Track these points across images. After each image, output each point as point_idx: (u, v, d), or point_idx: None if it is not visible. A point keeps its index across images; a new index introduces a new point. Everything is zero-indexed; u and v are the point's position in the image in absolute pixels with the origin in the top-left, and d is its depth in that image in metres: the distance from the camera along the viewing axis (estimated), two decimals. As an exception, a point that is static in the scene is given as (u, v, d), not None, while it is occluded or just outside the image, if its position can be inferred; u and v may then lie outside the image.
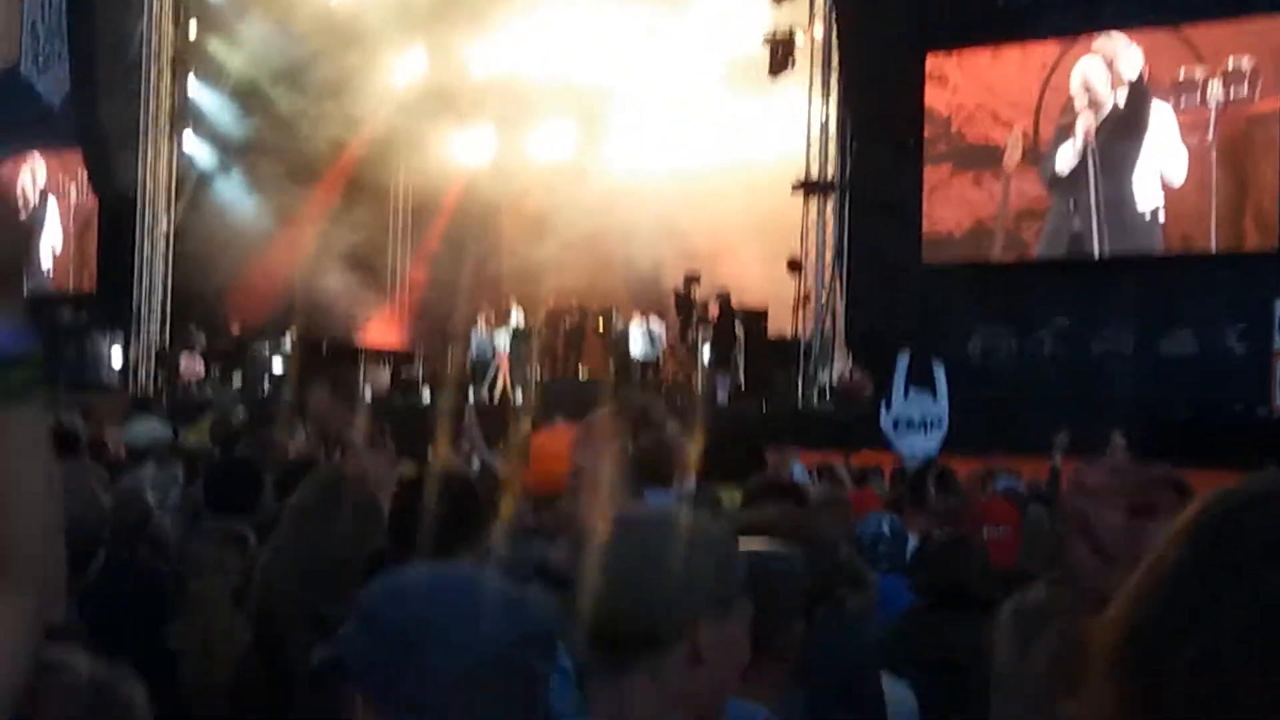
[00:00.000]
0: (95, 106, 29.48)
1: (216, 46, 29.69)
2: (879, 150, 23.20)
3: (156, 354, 29.36)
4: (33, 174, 32.37)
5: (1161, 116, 20.95)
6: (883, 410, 10.19)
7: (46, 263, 32.40)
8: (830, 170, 23.97)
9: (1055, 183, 21.99)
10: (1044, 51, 22.13)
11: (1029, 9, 21.80)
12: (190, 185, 30.21)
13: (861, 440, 15.42)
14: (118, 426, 10.74)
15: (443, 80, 28.47)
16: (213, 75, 29.89)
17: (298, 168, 28.67)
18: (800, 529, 2.94)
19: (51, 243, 32.35)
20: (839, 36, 23.58)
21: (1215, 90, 20.49)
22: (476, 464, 9.09)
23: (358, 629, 1.82)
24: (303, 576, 3.87)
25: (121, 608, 3.95)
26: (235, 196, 30.13)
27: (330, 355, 26.94)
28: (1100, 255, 21.61)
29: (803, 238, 24.14)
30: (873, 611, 4.54)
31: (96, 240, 31.30)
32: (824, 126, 24.04)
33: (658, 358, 24.77)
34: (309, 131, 27.71)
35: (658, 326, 24.66)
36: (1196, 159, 20.64)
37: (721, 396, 22.45)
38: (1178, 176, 20.79)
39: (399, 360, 28.48)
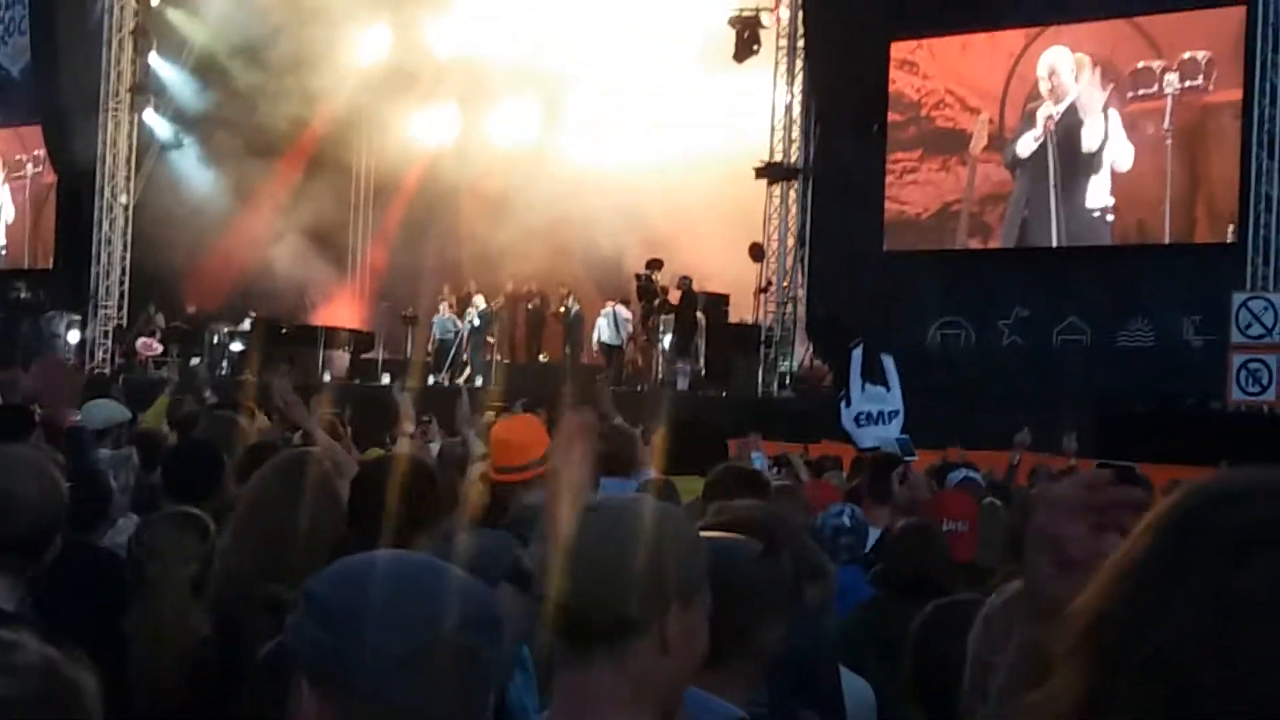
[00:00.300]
0: (56, 76, 29.20)
1: (179, 19, 29.41)
2: (843, 136, 23.26)
3: (114, 332, 29.14)
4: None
5: (1118, 107, 21.17)
6: (842, 408, 10.29)
7: (1, 239, 32.13)
8: (793, 155, 24.00)
9: (1016, 171, 22.19)
10: (1011, 40, 22.28)
11: (994, -2, 21.93)
12: (150, 161, 29.96)
13: (821, 431, 15.47)
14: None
15: (406, 59, 28.32)
16: (174, 49, 29.62)
17: (259, 144, 28.47)
18: (776, 524, 2.94)
19: (5, 219, 32.08)
20: (804, 20, 23.59)
21: (1171, 81, 20.72)
22: (435, 449, 9.09)
23: (303, 614, 1.83)
24: (262, 563, 3.85)
25: (79, 593, 3.91)
26: (195, 173, 29.91)
27: (290, 337, 26.81)
28: (1059, 244, 21.80)
29: (765, 223, 24.17)
30: (831, 603, 4.55)
31: (55, 217, 31.00)
32: (788, 111, 24.06)
33: (623, 344, 24.76)
34: (270, 107, 27.50)
35: (624, 313, 24.64)
36: (1153, 149, 20.87)
37: (682, 384, 22.47)
38: (1132, 167, 21.04)
39: (359, 341, 28.34)
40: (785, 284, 24.07)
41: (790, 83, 24.09)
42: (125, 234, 29.60)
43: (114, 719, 1.87)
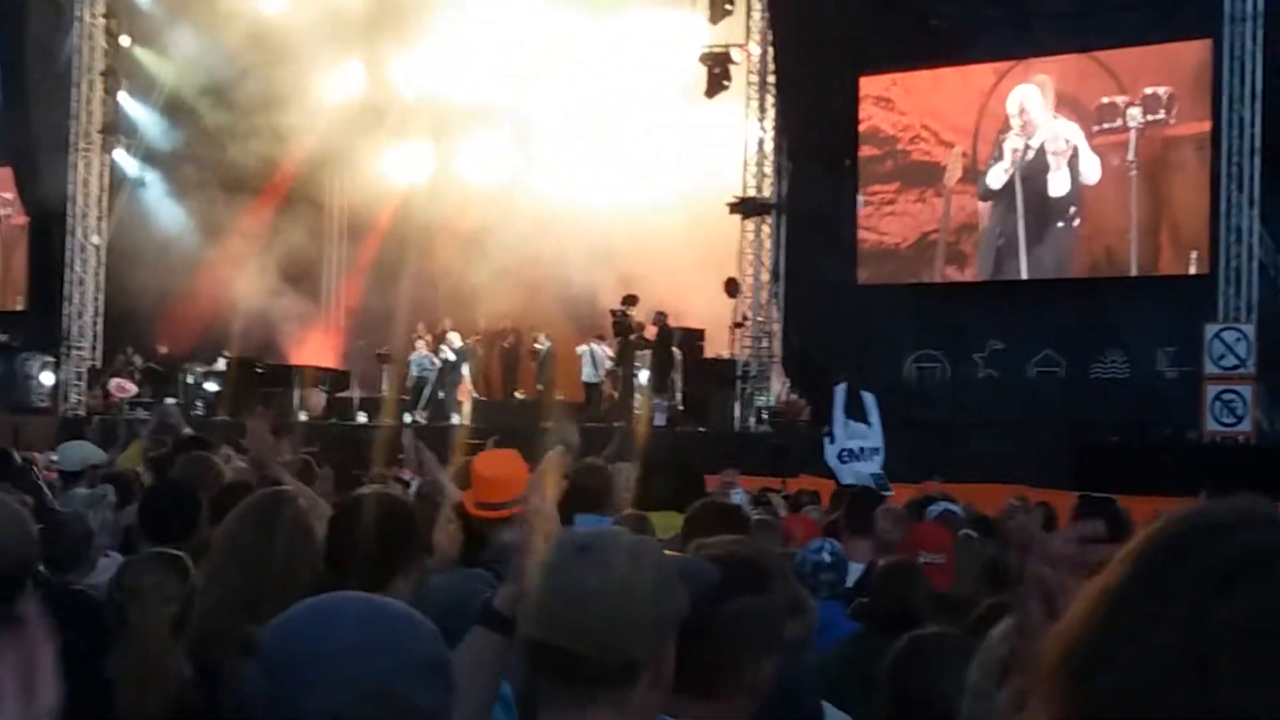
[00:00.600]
0: (26, 117, 29.08)
1: (148, 59, 29.37)
2: (815, 171, 23.39)
3: (89, 373, 28.97)
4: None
5: (1085, 139, 21.39)
6: (826, 444, 10.38)
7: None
8: (766, 190, 24.09)
9: (989, 202, 22.36)
10: (980, 76, 22.46)
11: (960, 33, 22.07)
12: (122, 201, 29.86)
13: (798, 465, 15.48)
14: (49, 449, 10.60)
15: (378, 97, 28.37)
16: (144, 89, 29.56)
17: (231, 183, 28.45)
18: (767, 560, 2.92)
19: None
20: (775, 57, 23.73)
21: (1134, 115, 20.92)
22: (414, 489, 9.01)
23: (256, 663, 1.83)
24: (237, 603, 3.81)
25: (58, 636, 3.87)
26: (167, 212, 29.81)
27: (264, 376, 26.71)
28: (1031, 276, 21.93)
29: (739, 258, 24.22)
30: (811, 638, 4.53)
31: (26, 258, 30.82)
32: (760, 146, 24.17)
33: (601, 381, 24.72)
34: (241, 147, 27.49)
35: (602, 350, 24.60)
36: (1117, 181, 21.06)
37: (660, 419, 22.45)
38: (1097, 198, 21.27)
39: (334, 380, 28.25)
40: (760, 319, 24.12)
41: (762, 118, 24.22)
42: (98, 274, 29.49)
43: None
